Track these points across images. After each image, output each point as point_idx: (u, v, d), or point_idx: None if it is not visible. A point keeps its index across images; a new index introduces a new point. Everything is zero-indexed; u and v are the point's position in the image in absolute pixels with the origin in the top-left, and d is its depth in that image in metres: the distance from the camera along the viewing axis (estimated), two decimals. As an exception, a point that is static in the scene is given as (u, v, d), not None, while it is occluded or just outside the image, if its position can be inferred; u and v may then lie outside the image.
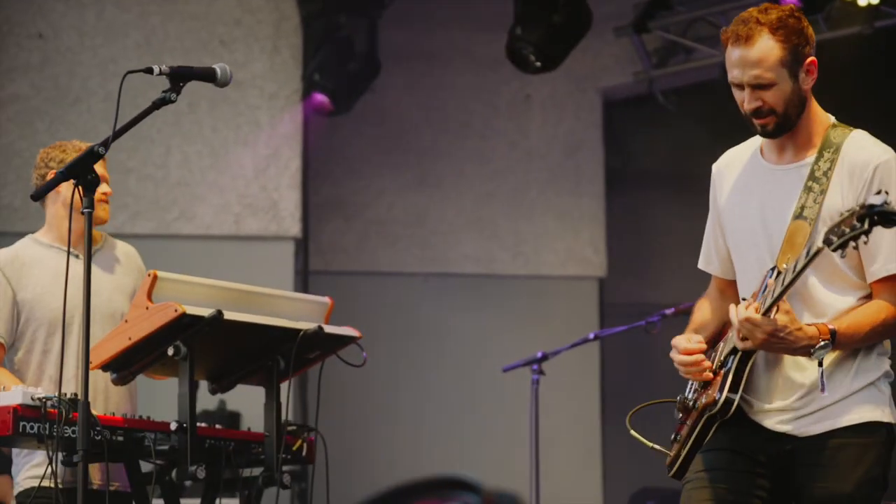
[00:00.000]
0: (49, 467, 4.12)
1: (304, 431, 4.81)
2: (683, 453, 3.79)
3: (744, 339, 3.60)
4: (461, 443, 9.23)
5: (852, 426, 3.62)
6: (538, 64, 8.18)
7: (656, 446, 3.91)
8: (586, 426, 9.38)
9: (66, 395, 4.23)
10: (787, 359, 3.69)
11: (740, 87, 3.71)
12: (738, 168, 3.89)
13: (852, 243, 3.30)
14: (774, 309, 3.53)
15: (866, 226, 3.27)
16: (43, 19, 8.37)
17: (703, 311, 3.97)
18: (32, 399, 4.20)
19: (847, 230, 3.30)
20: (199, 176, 8.42)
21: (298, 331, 4.51)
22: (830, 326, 3.58)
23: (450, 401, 9.29)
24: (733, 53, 3.69)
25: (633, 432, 3.93)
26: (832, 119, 3.78)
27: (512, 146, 9.57)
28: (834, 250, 3.33)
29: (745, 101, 3.70)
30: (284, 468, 4.60)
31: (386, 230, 9.43)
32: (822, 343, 3.55)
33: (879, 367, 3.70)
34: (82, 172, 3.68)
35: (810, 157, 3.71)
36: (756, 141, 3.87)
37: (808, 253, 3.46)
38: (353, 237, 9.43)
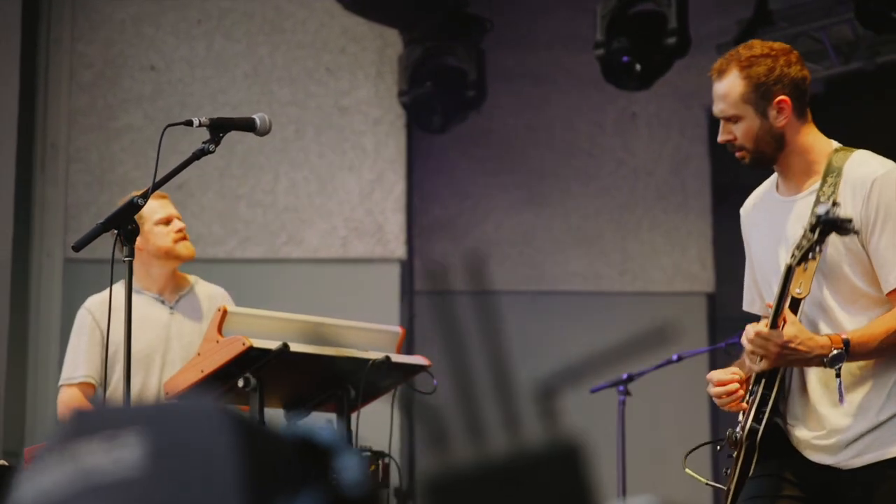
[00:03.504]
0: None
1: (379, 457, 4.95)
2: (732, 486, 3.85)
3: (761, 359, 3.65)
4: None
5: (893, 459, 3.64)
6: (637, 80, 8.21)
7: (711, 482, 3.98)
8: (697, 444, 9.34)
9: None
10: (817, 391, 3.73)
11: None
12: (759, 207, 3.97)
13: (810, 255, 3.38)
14: (781, 322, 3.58)
15: (816, 236, 3.36)
16: (155, 52, 8.64)
17: None
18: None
19: (805, 243, 3.38)
20: (307, 201, 8.61)
21: (367, 360, 4.65)
22: (844, 336, 3.60)
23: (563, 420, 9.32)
24: (713, 86, 3.80)
25: (688, 470, 4.00)
26: (835, 144, 3.81)
27: (618, 164, 9.60)
28: (797, 265, 3.41)
29: (720, 132, 3.79)
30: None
31: (493, 249, 9.52)
32: (836, 352, 3.57)
33: None
34: (123, 223, 3.86)
35: (816, 183, 3.75)
36: (773, 178, 3.93)
37: (783, 273, 3.53)
38: (462, 257, 9.53)
